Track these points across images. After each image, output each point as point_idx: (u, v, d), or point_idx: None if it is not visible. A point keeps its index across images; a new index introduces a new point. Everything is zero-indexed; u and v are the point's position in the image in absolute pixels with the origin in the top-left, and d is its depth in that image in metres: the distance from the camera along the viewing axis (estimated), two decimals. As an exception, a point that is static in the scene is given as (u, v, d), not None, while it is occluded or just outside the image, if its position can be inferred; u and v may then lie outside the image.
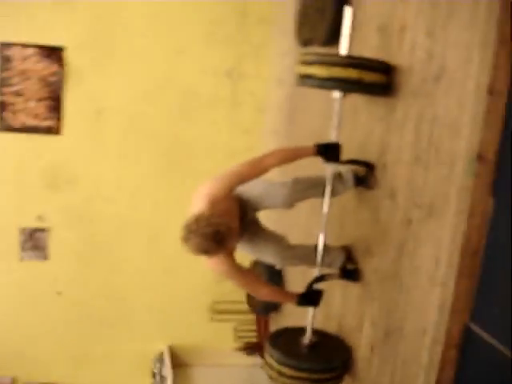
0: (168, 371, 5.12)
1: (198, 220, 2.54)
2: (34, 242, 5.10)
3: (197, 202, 2.78)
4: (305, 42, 4.24)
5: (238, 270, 2.89)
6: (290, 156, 2.95)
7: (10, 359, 5.27)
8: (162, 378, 5.21)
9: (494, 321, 2.12)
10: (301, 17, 4.30)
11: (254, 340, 5.40)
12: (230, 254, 2.84)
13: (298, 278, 4.20)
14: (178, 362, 5.42)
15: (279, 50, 5.02)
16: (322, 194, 3.09)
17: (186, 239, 2.54)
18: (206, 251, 2.56)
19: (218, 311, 5.50)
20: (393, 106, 2.90)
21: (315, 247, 3.14)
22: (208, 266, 2.84)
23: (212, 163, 5.09)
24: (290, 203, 3.08)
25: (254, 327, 5.47)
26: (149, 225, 5.31)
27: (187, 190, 3.06)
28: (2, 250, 5.12)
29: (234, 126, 5.29)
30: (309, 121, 4.25)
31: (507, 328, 2.03)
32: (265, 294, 3.07)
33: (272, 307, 4.88)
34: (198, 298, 5.48)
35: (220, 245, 2.55)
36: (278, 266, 3.28)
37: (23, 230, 5.08)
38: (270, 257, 3.16)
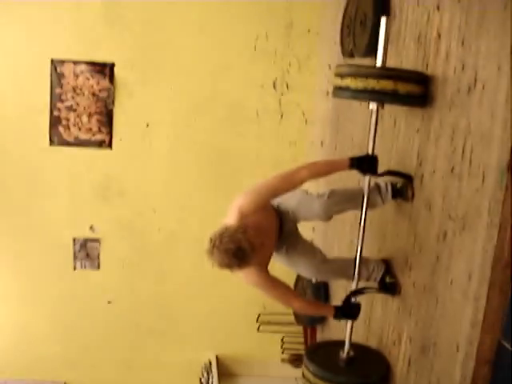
0: (215, 380, 5.16)
1: (221, 235, 2.58)
2: (87, 251, 5.27)
3: (229, 215, 2.82)
4: (348, 53, 4.24)
5: (269, 282, 2.91)
6: (324, 169, 2.95)
7: (63, 364, 5.48)
8: (210, 387, 5.26)
9: (525, 338, 2.06)
10: (345, 28, 4.31)
11: (301, 352, 5.38)
12: (261, 266, 2.86)
13: (342, 292, 4.17)
14: (225, 371, 5.47)
15: (325, 62, 5.03)
16: (360, 207, 3.07)
17: (209, 253, 2.58)
18: (228, 266, 2.59)
19: (266, 322, 5.52)
20: (429, 116, 2.86)
21: (353, 261, 3.11)
22: (241, 278, 2.87)
23: (259, 175, 5.10)
24: (326, 216, 3.07)
25: (301, 339, 5.45)
26: (197, 236, 5.35)
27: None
28: (56, 259, 5.33)
29: (280, 137, 5.33)
30: (354, 132, 4.23)
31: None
32: (298, 306, 3.07)
33: (318, 319, 4.85)
34: (245, 308, 5.51)
35: (241, 261, 2.58)
36: (313, 280, 3.28)
37: (76, 240, 5.26)
38: (303, 270, 3.16)
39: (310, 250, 3.21)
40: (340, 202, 3.08)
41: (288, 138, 5.33)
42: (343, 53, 4.32)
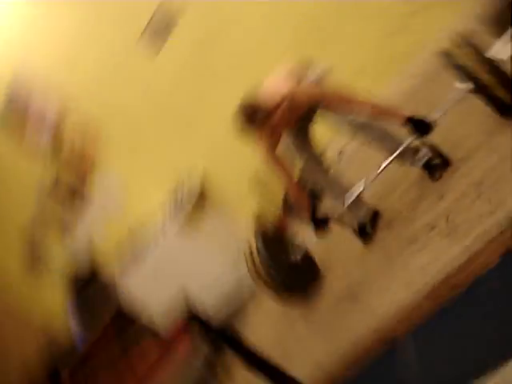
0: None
1: (249, 105, 3.00)
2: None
3: (279, 81, 3.15)
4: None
5: (274, 160, 3.21)
6: (379, 112, 3.02)
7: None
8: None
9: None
10: None
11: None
12: (271, 144, 3.17)
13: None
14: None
15: None
16: (385, 151, 3.14)
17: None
18: (240, 121, 3.01)
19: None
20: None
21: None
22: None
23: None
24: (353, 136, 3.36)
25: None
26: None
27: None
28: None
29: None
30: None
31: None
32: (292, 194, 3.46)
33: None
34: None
35: (249, 120, 2.98)
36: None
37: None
38: None
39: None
40: (371, 136, 3.18)
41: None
42: None
